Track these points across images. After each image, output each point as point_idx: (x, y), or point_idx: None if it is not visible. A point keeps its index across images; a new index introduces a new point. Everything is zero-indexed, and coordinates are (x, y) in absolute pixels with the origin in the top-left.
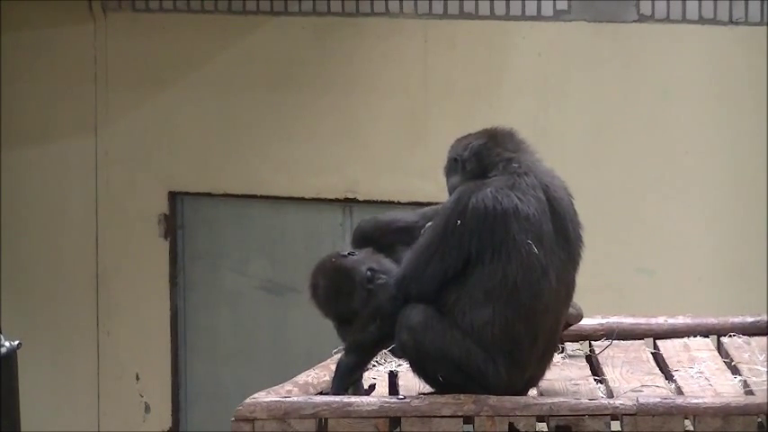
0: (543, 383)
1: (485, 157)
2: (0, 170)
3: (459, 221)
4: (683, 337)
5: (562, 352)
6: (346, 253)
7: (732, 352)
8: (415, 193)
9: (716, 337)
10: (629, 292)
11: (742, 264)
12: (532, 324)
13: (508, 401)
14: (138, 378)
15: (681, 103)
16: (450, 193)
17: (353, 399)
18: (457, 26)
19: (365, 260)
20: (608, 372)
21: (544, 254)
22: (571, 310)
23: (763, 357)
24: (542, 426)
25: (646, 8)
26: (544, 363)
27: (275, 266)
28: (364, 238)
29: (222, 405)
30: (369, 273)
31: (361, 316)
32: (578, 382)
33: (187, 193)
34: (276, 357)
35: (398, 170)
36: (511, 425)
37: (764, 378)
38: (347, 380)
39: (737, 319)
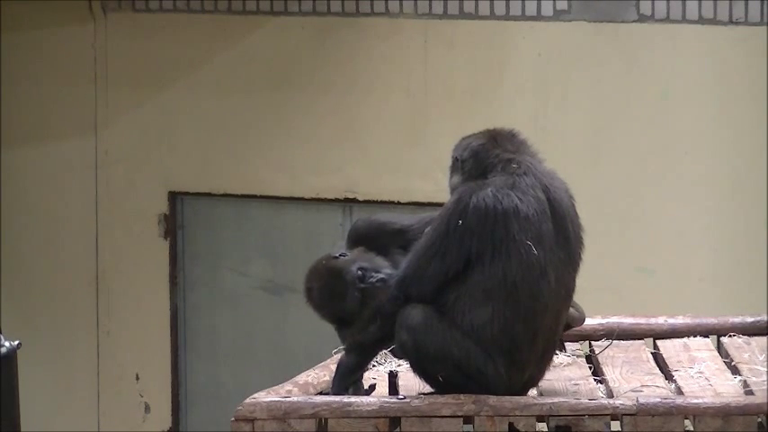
0: (543, 383)
1: (483, 157)
2: (0, 170)
3: (459, 221)
4: (683, 337)
5: (562, 351)
6: (338, 254)
7: (732, 352)
8: (415, 193)
9: (716, 337)
10: (629, 292)
11: (742, 264)
12: (531, 324)
13: (508, 401)
14: (138, 378)
15: (681, 103)
16: (451, 193)
17: (353, 399)
18: (457, 26)
19: (356, 259)
20: (608, 372)
21: (544, 254)
22: (573, 312)
23: (763, 357)
24: (542, 426)
25: (646, 8)
26: (543, 363)
27: (275, 266)
28: (359, 238)
29: (222, 405)
30: (360, 272)
31: (361, 316)
32: (578, 382)
33: (187, 193)
34: (276, 357)
35: (398, 170)
36: (511, 425)
37: (764, 378)
38: (347, 380)
39: (737, 319)
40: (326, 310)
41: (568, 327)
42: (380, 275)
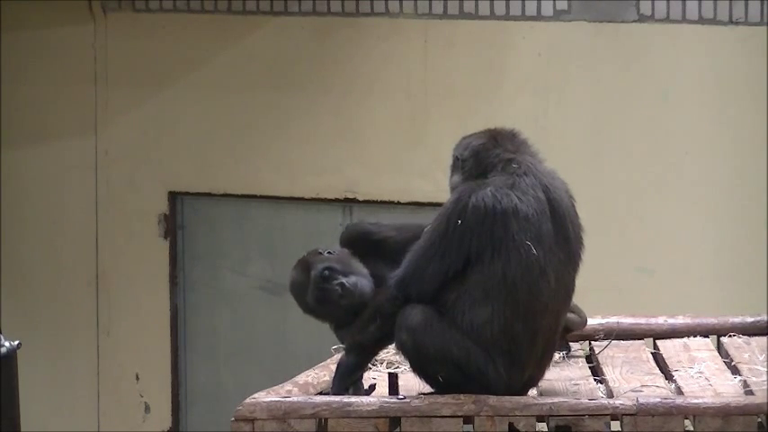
0: (543, 383)
1: (483, 157)
2: (0, 170)
3: (459, 221)
4: (683, 337)
5: (565, 351)
6: (324, 251)
7: (732, 352)
8: (414, 193)
9: (716, 337)
10: (629, 292)
11: (742, 264)
12: (531, 324)
13: (508, 401)
14: (138, 378)
15: (681, 103)
16: (451, 192)
17: (353, 399)
18: (457, 26)
19: (330, 260)
20: (608, 372)
21: (543, 254)
22: (574, 317)
23: (763, 357)
24: (542, 426)
25: (646, 8)
26: (543, 363)
27: (275, 266)
28: (348, 243)
29: (222, 405)
30: (325, 272)
31: (361, 316)
32: (578, 382)
33: (187, 193)
34: (276, 357)
35: (398, 170)
36: (511, 425)
37: (764, 378)
38: (347, 380)
39: (737, 319)
40: (297, 300)
41: (569, 330)
42: (343, 281)
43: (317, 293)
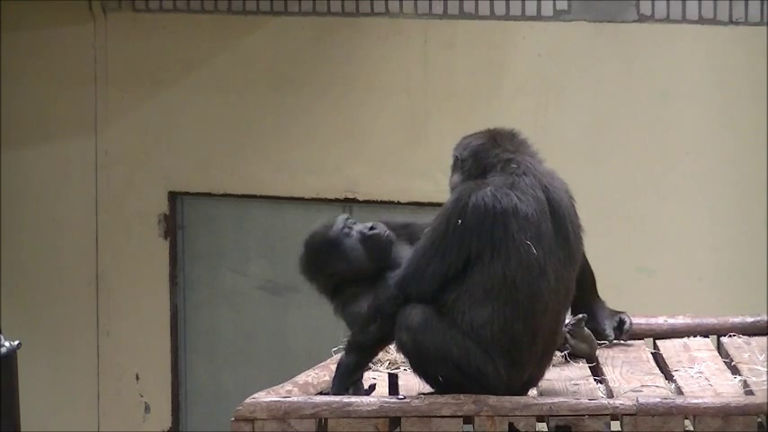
0: (543, 383)
1: (483, 157)
2: (0, 170)
3: (459, 221)
4: (683, 337)
5: (565, 351)
6: None
7: (732, 352)
8: (415, 193)
9: (716, 337)
10: (629, 292)
11: (742, 264)
12: (531, 324)
13: (508, 401)
14: (138, 378)
15: (681, 103)
16: (451, 192)
17: (353, 399)
18: (457, 26)
19: (351, 217)
20: (608, 372)
21: (543, 254)
22: (585, 346)
23: (763, 357)
24: (542, 426)
25: (646, 8)
26: (543, 363)
27: (275, 266)
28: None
29: (222, 405)
30: (348, 220)
31: (360, 316)
32: (578, 382)
33: (187, 193)
34: (276, 357)
35: (398, 170)
36: (511, 425)
37: (764, 378)
38: (347, 380)
39: (737, 319)
40: (309, 258)
41: (576, 356)
42: (368, 224)
43: (342, 231)
